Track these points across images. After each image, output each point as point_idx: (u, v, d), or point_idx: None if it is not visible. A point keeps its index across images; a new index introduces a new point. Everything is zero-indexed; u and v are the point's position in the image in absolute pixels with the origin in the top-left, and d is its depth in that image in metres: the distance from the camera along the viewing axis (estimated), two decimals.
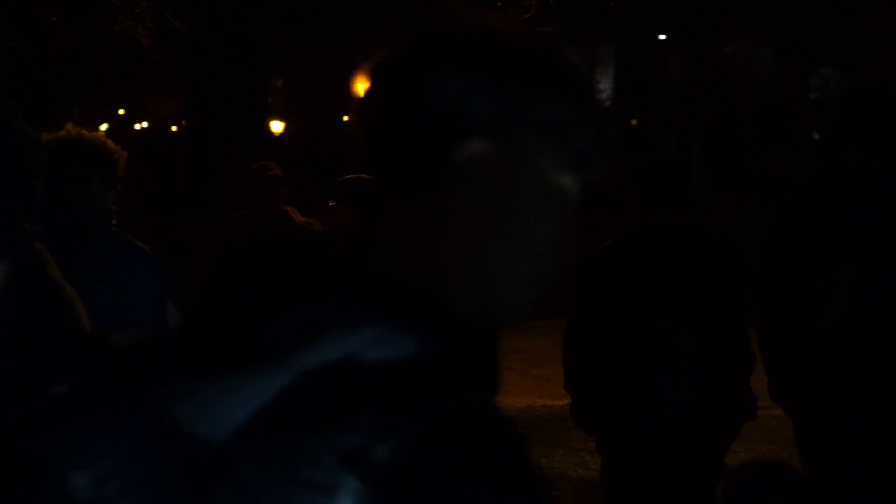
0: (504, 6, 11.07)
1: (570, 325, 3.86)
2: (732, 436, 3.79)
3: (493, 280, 1.07)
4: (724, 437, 3.78)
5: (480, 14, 1.09)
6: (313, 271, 1.04)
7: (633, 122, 22.49)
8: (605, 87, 24.48)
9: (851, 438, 3.54)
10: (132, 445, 0.96)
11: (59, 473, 0.96)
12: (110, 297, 2.89)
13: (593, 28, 21.55)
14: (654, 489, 3.77)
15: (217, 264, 1.09)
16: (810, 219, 3.61)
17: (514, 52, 1.06)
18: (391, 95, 1.05)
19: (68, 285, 2.00)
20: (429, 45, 1.06)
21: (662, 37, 22.52)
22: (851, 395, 3.51)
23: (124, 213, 3.18)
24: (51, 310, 1.98)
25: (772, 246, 3.69)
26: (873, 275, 3.51)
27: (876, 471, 3.54)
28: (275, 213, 5.72)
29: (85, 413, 0.99)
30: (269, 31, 9.55)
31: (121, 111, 16.86)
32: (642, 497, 3.79)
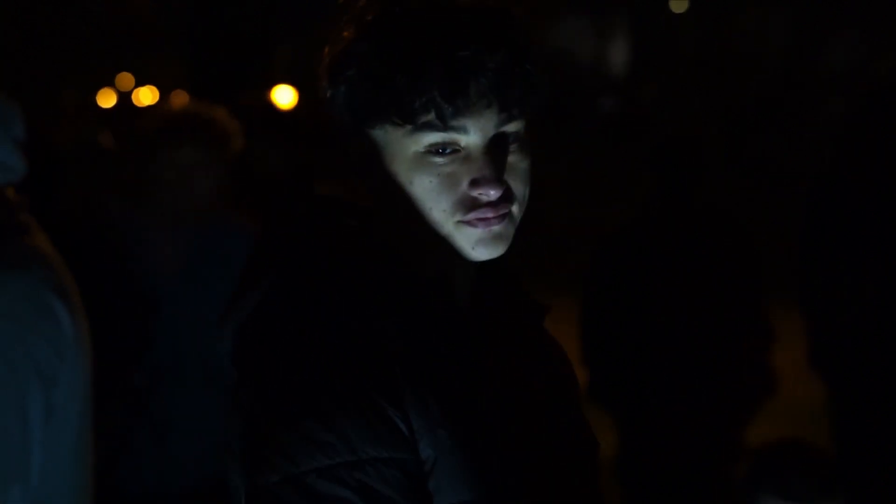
0: None
1: (587, 303, 3.88)
2: (750, 415, 3.80)
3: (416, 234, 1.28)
4: (741, 417, 3.80)
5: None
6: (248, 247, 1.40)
7: (648, 95, 22.38)
8: (618, 60, 24.38)
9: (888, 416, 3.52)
10: None
11: None
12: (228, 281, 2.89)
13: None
14: (672, 467, 3.78)
15: None
16: (853, 196, 3.57)
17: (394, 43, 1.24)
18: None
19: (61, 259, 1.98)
20: (329, 57, 1.30)
21: (679, 4, 22.36)
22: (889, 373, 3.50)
23: None
24: None
25: (814, 220, 3.64)
26: None
27: None
28: None
29: None
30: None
31: (122, 82, 16.77)
32: (660, 474, 3.80)
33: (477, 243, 1.27)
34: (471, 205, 1.26)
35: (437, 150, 1.25)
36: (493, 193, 1.25)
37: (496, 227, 1.27)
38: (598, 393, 3.82)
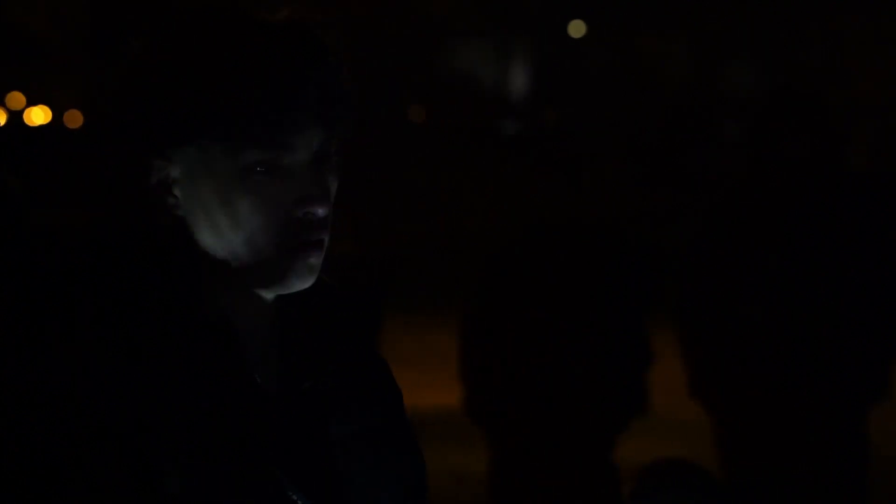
0: None
1: (465, 320, 3.88)
2: (620, 430, 3.83)
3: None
4: (612, 432, 3.83)
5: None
6: None
7: (549, 115, 22.62)
8: (520, 80, 24.61)
9: (778, 437, 3.56)
10: None
11: None
12: None
13: (505, 19, 21.61)
14: (546, 483, 3.80)
15: None
16: (739, 215, 3.64)
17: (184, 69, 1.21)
18: None
19: None
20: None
21: (577, 29, 22.66)
22: (779, 393, 3.54)
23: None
24: None
25: (700, 240, 3.71)
26: (800, 272, 3.56)
27: (801, 472, 3.56)
28: None
29: None
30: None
31: (15, 100, 16.36)
32: (534, 491, 3.81)
33: (293, 274, 1.23)
34: (296, 228, 1.22)
35: (259, 168, 1.21)
36: (320, 212, 1.23)
37: (313, 260, 1.23)
38: (474, 409, 3.85)
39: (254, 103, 1.19)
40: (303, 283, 1.24)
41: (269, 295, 1.25)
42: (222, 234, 1.22)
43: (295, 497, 1.20)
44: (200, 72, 1.20)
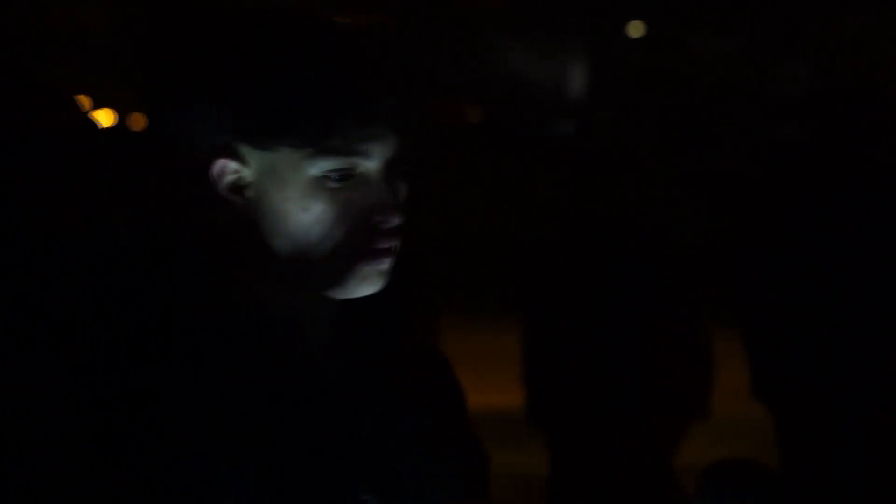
0: None
1: (521, 323, 3.88)
2: (679, 434, 3.79)
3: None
4: (669, 436, 3.80)
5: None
6: None
7: (604, 119, 22.56)
8: (576, 81, 24.54)
9: (834, 435, 3.58)
10: None
11: None
12: None
13: (557, 19, 21.60)
14: (605, 486, 3.80)
15: None
16: (793, 215, 3.66)
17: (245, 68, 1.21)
18: None
19: None
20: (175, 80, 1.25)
21: (637, 29, 22.61)
22: (840, 393, 3.57)
23: None
24: None
25: (753, 242, 3.73)
26: (858, 272, 3.58)
27: (858, 469, 3.58)
28: None
29: None
30: None
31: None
32: (593, 494, 3.81)
33: (363, 280, 1.24)
34: (368, 234, 1.23)
35: (334, 175, 1.22)
36: (394, 220, 1.23)
37: (385, 266, 1.24)
38: (534, 413, 3.84)
39: (333, 112, 1.20)
40: (372, 289, 1.24)
41: (334, 297, 1.25)
42: (294, 239, 1.22)
43: (365, 497, 1.21)
44: (276, 79, 1.20)
